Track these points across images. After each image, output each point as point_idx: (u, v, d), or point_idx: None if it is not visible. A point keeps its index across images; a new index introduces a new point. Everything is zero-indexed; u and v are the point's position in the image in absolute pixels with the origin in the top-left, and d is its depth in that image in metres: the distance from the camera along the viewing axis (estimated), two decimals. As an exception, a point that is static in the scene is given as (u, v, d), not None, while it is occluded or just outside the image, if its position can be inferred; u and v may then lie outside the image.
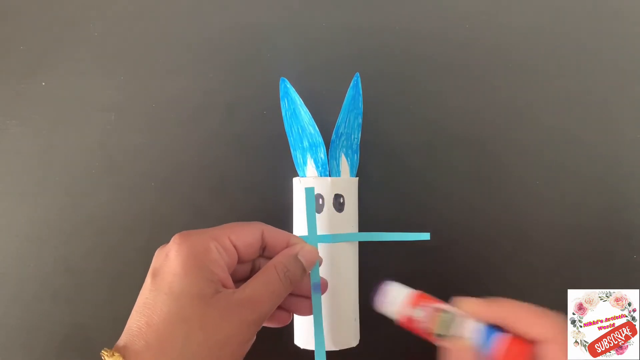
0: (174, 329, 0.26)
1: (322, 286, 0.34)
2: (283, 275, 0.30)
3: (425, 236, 0.37)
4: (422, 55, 0.42)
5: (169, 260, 0.28)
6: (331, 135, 0.37)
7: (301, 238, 0.33)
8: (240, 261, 0.32)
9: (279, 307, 0.32)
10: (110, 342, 0.41)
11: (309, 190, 0.34)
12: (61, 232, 0.42)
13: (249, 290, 0.29)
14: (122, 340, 0.28)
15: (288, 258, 0.31)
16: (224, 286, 0.29)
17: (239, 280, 0.32)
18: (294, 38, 0.42)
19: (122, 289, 0.41)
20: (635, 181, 0.41)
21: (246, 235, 0.31)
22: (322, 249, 0.36)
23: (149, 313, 0.27)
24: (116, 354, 0.26)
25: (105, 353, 0.27)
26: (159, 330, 0.27)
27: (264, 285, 0.29)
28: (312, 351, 0.37)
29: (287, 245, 0.32)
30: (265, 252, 0.33)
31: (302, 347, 0.38)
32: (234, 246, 0.31)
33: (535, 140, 0.41)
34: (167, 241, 0.41)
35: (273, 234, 0.32)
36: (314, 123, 0.36)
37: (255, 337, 0.30)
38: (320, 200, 0.37)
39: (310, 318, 0.37)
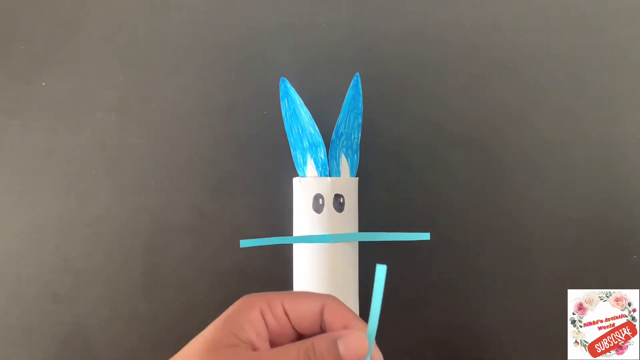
0: None
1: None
2: (303, 354, 0.27)
3: (425, 236, 0.37)
4: (422, 55, 0.42)
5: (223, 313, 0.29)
6: (331, 135, 0.37)
7: (364, 324, 0.30)
8: (298, 332, 0.30)
9: None
10: (110, 342, 0.41)
11: (380, 270, 0.28)
12: (61, 232, 0.42)
13: (260, 353, 0.28)
14: None
15: (322, 339, 0.28)
16: (252, 347, 0.28)
17: None
18: (294, 38, 0.42)
19: (122, 289, 0.41)
20: (635, 181, 0.41)
21: (301, 305, 0.29)
22: (322, 249, 0.36)
23: (183, 348, 0.29)
24: None
25: None
26: None
27: (277, 354, 0.28)
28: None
29: (347, 324, 0.29)
30: (325, 330, 0.30)
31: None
32: (286, 314, 0.29)
33: (535, 140, 0.41)
34: (167, 241, 0.41)
35: (334, 311, 0.30)
36: (314, 123, 0.36)
37: None
38: (320, 201, 0.37)
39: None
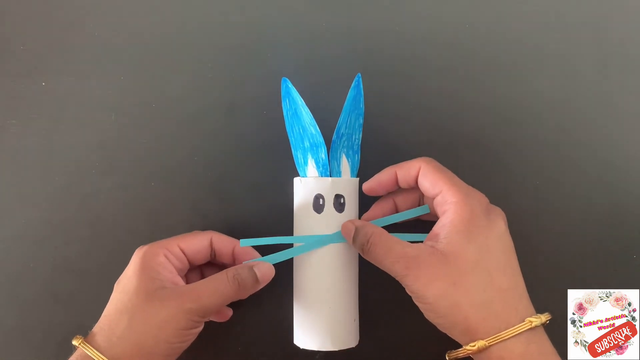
0: (120, 315, 0.33)
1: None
2: (231, 277, 0.34)
3: (424, 237, 0.37)
4: (423, 56, 0.42)
5: (127, 269, 0.35)
6: (332, 135, 0.37)
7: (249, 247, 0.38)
8: (191, 265, 0.37)
9: None
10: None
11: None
12: (61, 232, 0.41)
13: (193, 285, 0.34)
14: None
15: (243, 268, 0.35)
16: (174, 284, 0.35)
17: None
18: (295, 38, 0.42)
19: (122, 289, 0.41)
20: (635, 182, 0.41)
21: (194, 242, 0.37)
22: (322, 249, 0.36)
23: (107, 308, 0.34)
24: (79, 337, 0.33)
25: (75, 338, 0.33)
26: (110, 318, 0.33)
27: (208, 282, 0.34)
28: (312, 351, 0.37)
29: (233, 248, 0.37)
30: (216, 258, 0.38)
31: (301, 347, 0.38)
32: (183, 252, 0.36)
33: (535, 140, 0.41)
34: (167, 241, 0.41)
35: (221, 240, 0.38)
36: (315, 123, 0.36)
37: (201, 327, 0.34)
38: (321, 201, 0.37)
39: (310, 319, 0.37)
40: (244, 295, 0.35)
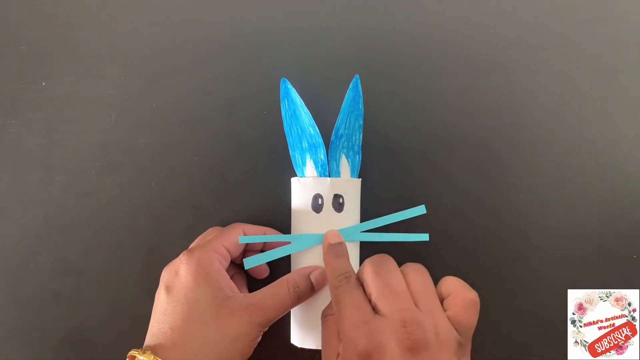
0: (194, 329, 0.32)
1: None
2: (293, 290, 0.34)
3: (424, 237, 0.37)
4: (422, 56, 0.42)
5: (180, 276, 0.34)
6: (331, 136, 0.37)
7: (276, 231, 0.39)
8: (232, 261, 0.37)
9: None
10: (110, 342, 0.41)
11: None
12: (61, 232, 0.42)
13: (258, 296, 0.34)
14: (149, 342, 0.33)
15: (300, 276, 0.35)
16: (231, 290, 0.34)
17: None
18: (294, 38, 0.42)
19: (122, 289, 0.41)
20: (635, 181, 0.41)
21: (234, 239, 0.36)
22: (319, 248, 0.36)
23: (170, 320, 0.33)
24: (147, 352, 0.31)
25: (137, 352, 0.31)
26: (182, 332, 0.32)
27: (273, 295, 0.34)
28: (310, 350, 0.37)
29: (264, 234, 0.38)
30: (247, 247, 0.38)
31: (299, 346, 0.38)
32: (228, 251, 0.36)
33: (535, 140, 0.41)
34: (167, 241, 0.41)
35: (252, 231, 0.38)
36: (314, 124, 0.36)
37: (260, 337, 0.34)
38: (320, 201, 0.37)
39: (308, 318, 0.37)
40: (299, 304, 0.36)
